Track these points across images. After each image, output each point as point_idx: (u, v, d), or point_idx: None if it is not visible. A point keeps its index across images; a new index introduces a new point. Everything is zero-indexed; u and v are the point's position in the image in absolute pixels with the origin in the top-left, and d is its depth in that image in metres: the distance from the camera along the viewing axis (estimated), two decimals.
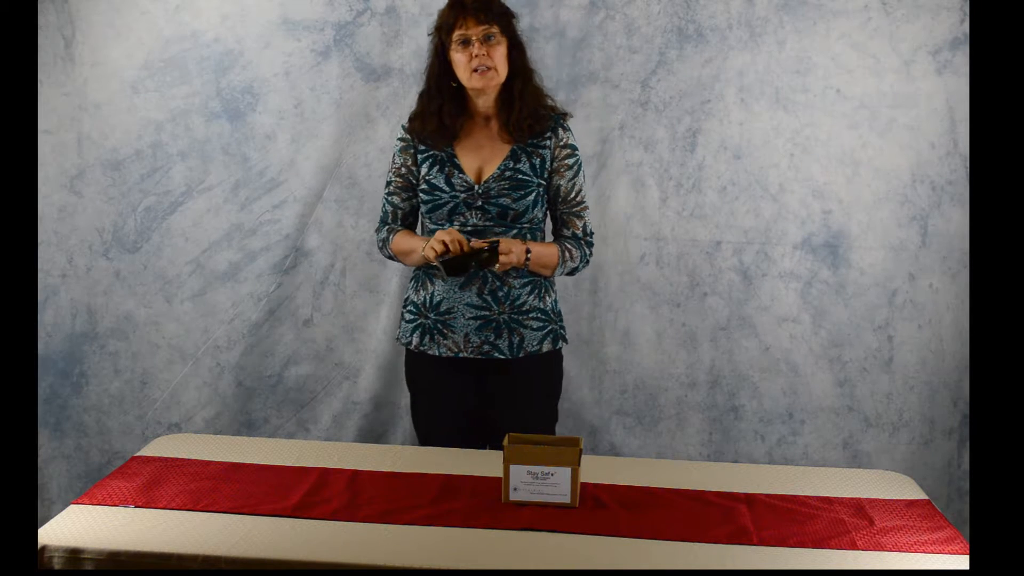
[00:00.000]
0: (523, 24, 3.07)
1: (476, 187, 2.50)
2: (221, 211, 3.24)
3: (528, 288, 2.54)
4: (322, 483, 2.23)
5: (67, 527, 1.98)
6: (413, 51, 3.13)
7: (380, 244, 2.64)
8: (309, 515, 2.07)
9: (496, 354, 2.52)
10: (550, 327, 2.57)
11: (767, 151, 3.17)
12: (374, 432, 3.32)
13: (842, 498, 2.24)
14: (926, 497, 2.28)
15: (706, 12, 3.11)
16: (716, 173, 3.18)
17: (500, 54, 2.46)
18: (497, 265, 2.39)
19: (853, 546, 1.99)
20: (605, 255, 3.22)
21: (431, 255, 2.38)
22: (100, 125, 3.21)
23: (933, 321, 3.20)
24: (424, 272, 2.57)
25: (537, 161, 2.52)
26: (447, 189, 2.50)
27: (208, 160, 3.22)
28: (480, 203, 2.49)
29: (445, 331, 2.53)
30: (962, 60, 3.08)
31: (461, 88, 2.51)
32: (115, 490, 2.16)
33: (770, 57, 3.13)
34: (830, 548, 1.98)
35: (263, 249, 3.26)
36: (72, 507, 2.09)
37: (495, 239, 2.42)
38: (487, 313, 2.51)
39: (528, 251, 2.47)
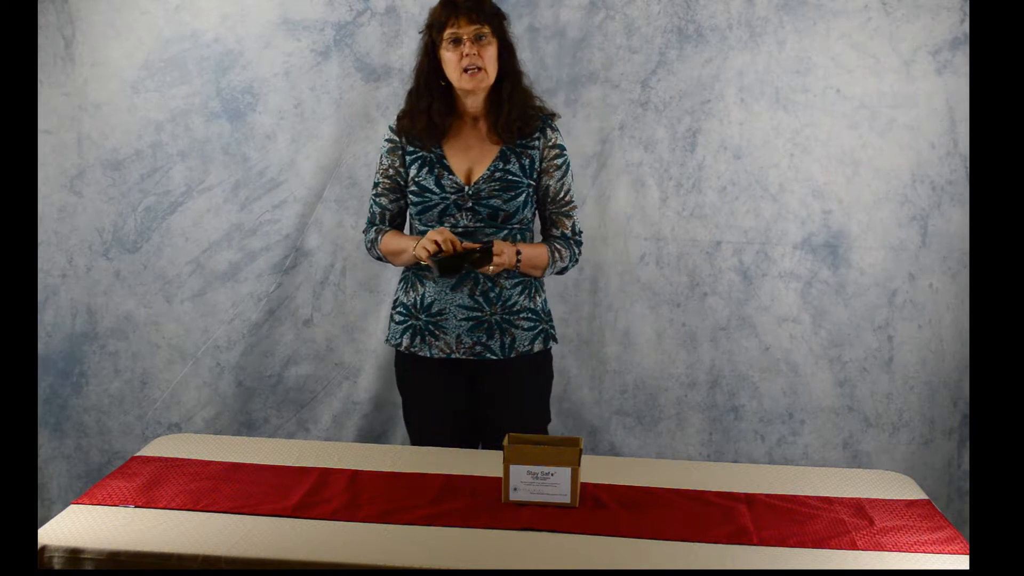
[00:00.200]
0: (523, 24, 3.09)
1: (466, 188, 2.49)
2: (221, 211, 3.24)
3: (519, 288, 2.54)
4: (322, 483, 2.23)
5: (67, 527, 1.98)
6: (413, 51, 3.09)
7: (368, 244, 2.63)
8: (309, 515, 2.07)
9: (488, 355, 2.52)
10: (541, 327, 2.57)
11: (767, 151, 3.17)
12: (374, 432, 3.32)
13: (842, 498, 2.24)
14: (926, 497, 2.28)
15: (706, 12, 3.11)
16: (716, 173, 3.18)
17: (491, 55, 2.45)
18: (491, 268, 2.39)
19: (853, 546, 1.99)
20: (605, 255, 3.22)
21: (423, 254, 2.38)
22: (100, 125, 3.21)
23: (933, 321, 3.20)
24: (414, 273, 2.56)
25: (527, 162, 2.52)
26: (437, 191, 2.50)
27: (208, 160, 3.22)
28: (470, 204, 2.49)
29: (437, 332, 2.52)
30: (962, 60, 3.08)
31: (449, 87, 2.50)
32: (115, 490, 2.16)
33: (770, 57, 3.13)
34: (830, 548, 1.98)
35: (263, 249, 3.26)
36: (72, 507, 2.09)
37: (488, 240, 2.41)
38: (479, 314, 2.51)
39: (519, 253, 2.47)
